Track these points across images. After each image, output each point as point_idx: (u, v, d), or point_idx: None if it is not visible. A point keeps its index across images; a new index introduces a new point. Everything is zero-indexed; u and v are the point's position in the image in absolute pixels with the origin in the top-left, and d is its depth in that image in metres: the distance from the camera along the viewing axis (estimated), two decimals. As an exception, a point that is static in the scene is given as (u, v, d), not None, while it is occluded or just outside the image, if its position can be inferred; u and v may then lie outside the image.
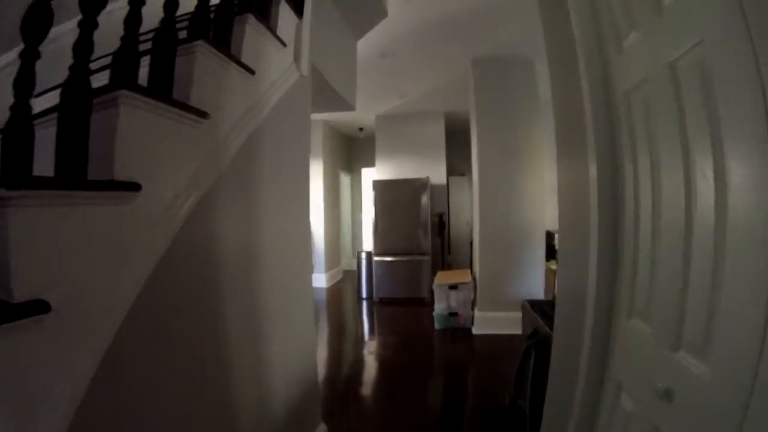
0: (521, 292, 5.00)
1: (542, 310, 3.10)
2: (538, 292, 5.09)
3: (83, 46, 1.18)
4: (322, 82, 2.91)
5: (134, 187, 1.18)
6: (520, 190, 5.10)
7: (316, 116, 8.05)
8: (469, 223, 9.40)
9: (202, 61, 1.49)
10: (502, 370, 3.96)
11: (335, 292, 8.13)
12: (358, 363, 4.45)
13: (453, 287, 5.33)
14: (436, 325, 5.35)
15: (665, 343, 1.22)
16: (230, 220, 1.69)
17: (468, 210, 9.46)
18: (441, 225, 7.89)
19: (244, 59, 1.76)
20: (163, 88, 1.35)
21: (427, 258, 7.00)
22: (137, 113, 1.23)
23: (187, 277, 1.43)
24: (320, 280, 8.42)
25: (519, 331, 4.92)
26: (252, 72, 1.80)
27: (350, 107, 3.72)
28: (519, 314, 4.97)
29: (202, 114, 1.44)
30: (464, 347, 4.78)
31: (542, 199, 5.12)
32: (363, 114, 7.98)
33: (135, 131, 1.23)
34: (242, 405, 1.76)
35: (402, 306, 6.79)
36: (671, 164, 1.20)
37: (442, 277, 5.74)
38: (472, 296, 5.31)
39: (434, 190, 7.62)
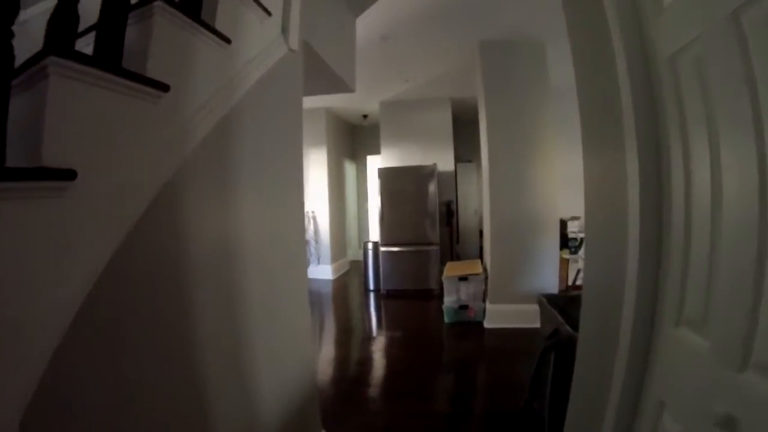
0: (534, 283, 4.78)
1: (559, 305, 2.87)
2: (552, 283, 4.85)
3: (5, 8, 0.96)
4: (317, 60, 2.66)
5: (67, 175, 0.95)
6: (532, 178, 4.84)
7: (318, 104, 7.82)
8: (477, 212, 9.14)
9: (161, 25, 1.24)
10: (515, 368, 3.75)
11: (341, 285, 7.94)
12: (364, 361, 4.25)
13: (463, 279, 5.09)
14: (446, 319, 5.13)
15: (727, 360, 0.99)
16: (201, 212, 1.46)
17: (476, 198, 9.20)
18: (449, 214, 7.63)
19: (218, 27, 1.51)
20: (109, 56, 1.12)
21: (436, 248, 6.76)
22: (73, 85, 1.00)
23: (145, 283, 1.21)
24: (326, 272, 8.23)
25: (532, 325, 4.72)
26: (228, 41, 1.56)
27: (349, 89, 3.47)
28: (533, 307, 4.75)
29: (160, 86, 1.20)
30: (475, 343, 4.55)
31: (554, 187, 4.86)
32: (366, 101, 7.73)
33: (71, 107, 1.00)
34: (226, 416, 1.55)
35: (410, 298, 6.58)
36: (737, 138, 0.95)
37: (452, 269, 5.50)
38: (483, 288, 5.08)
39: (442, 177, 7.34)
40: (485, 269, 5.29)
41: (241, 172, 1.69)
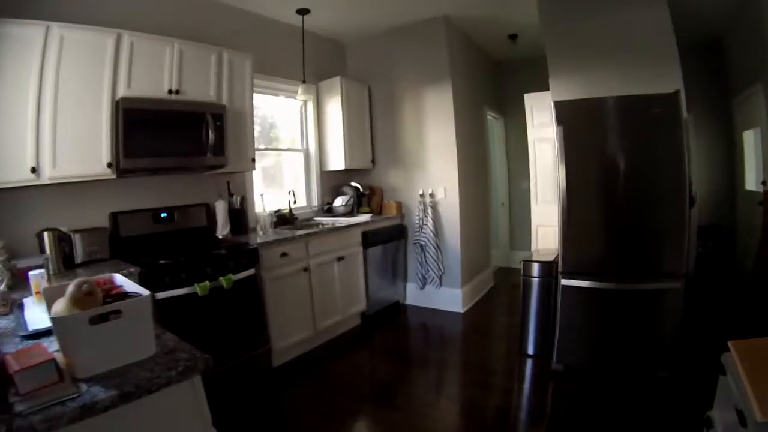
0: None
1: None
2: None
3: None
4: None
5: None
6: None
7: (429, 8, 4.47)
8: (698, 196, 5.18)
9: None
10: None
11: (476, 325, 4.60)
12: None
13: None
14: None
15: None
16: None
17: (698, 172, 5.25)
18: (690, 204, 3.77)
19: None
20: None
21: (677, 286, 3.09)
22: None
23: None
24: (453, 299, 5.00)
25: None
26: None
27: None
28: None
29: None
30: None
31: None
32: (512, 3, 4.24)
33: None
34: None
35: (608, 387, 3.09)
36: None
37: (760, 376, 1.85)
38: None
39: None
40: None
41: None
